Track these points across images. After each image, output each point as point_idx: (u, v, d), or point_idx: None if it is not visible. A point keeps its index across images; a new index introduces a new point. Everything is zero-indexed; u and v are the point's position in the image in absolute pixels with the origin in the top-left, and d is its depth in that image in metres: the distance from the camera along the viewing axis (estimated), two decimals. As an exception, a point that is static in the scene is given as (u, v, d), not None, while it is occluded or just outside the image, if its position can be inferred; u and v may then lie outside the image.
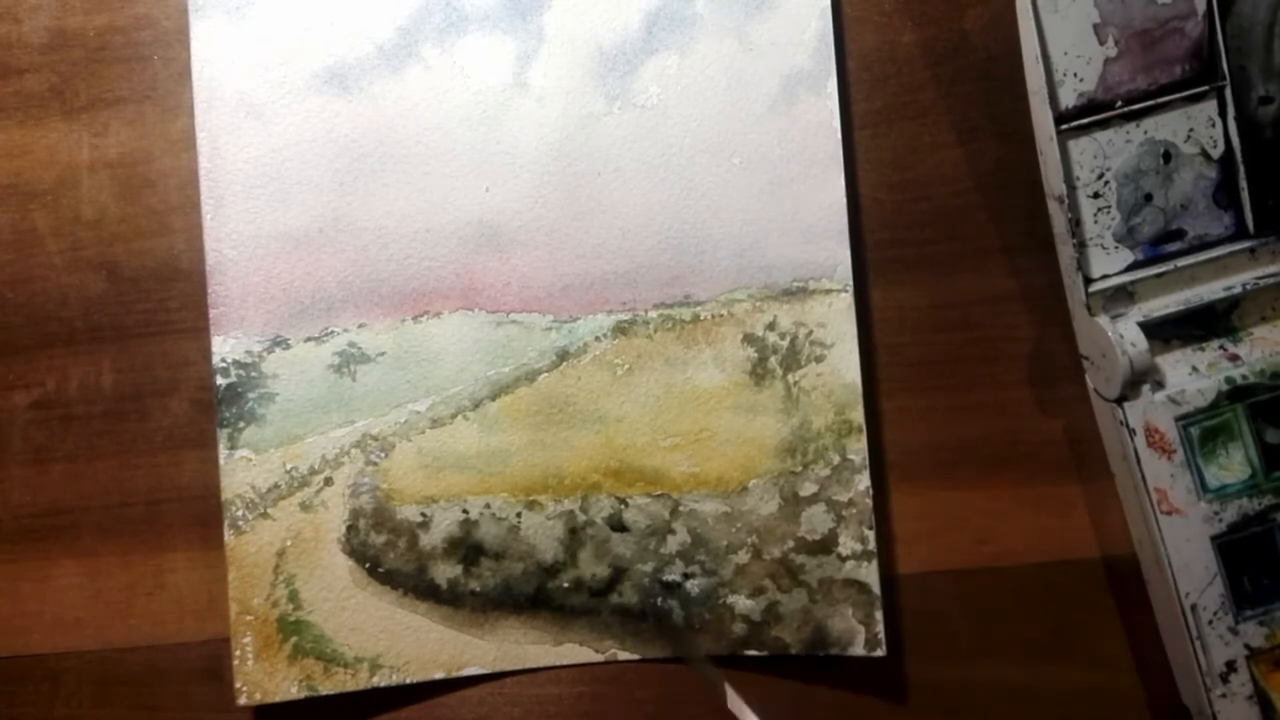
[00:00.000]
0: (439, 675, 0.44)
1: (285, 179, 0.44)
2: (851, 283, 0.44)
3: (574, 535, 0.44)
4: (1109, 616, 0.45)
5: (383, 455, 0.44)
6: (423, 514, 0.44)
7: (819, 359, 0.44)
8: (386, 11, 0.44)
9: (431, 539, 0.44)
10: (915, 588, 0.45)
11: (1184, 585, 0.42)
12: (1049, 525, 0.45)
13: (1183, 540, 0.42)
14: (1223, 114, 0.42)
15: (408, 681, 0.44)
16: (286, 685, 0.43)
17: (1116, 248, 0.43)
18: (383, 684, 0.43)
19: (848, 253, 0.44)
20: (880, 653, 0.43)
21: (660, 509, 0.44)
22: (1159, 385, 0.43)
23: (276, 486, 0.43)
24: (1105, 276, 0.43)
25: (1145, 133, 0.42)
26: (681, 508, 0.44)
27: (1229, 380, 0.42)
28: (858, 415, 0.44)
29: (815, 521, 0.44)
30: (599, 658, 0.44)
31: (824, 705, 0.45)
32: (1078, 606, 0.45)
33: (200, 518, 0.44)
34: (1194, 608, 0.42)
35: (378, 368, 0.44)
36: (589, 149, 0.44)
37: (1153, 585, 0.44)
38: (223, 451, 0.43)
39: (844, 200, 0.44)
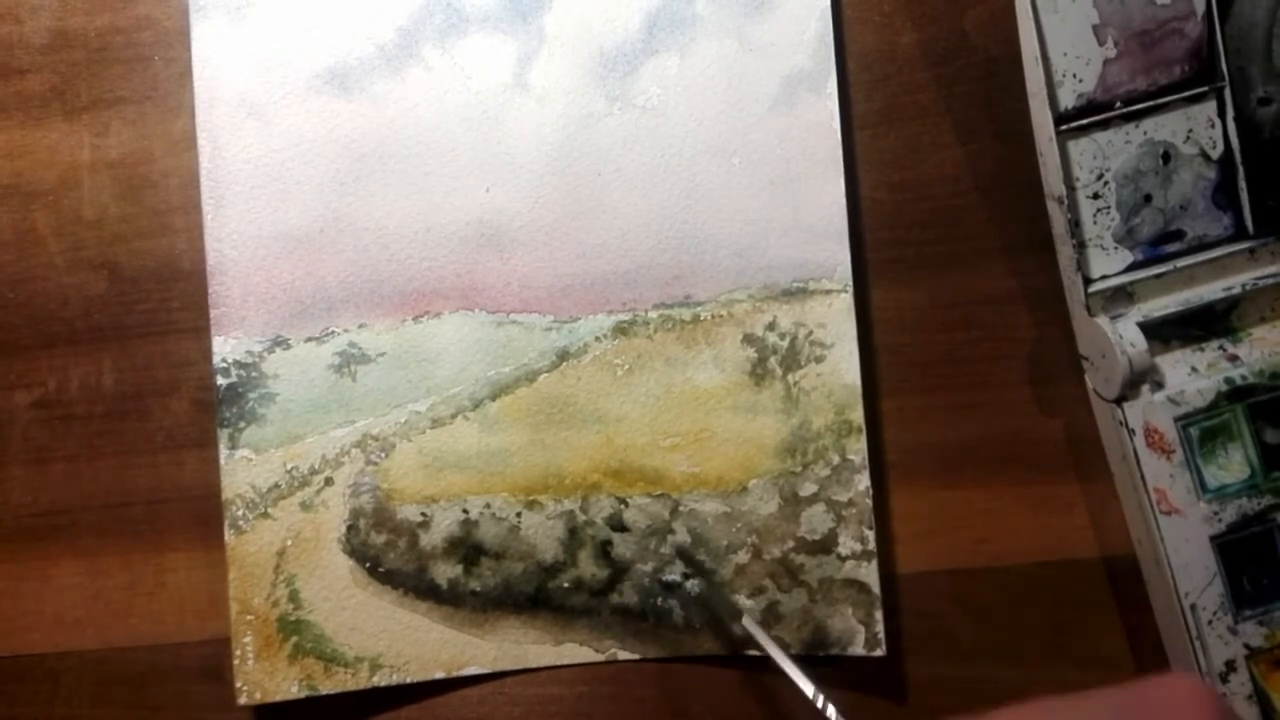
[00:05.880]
0: (439, 675, 0.44)
1: (286, 179, 0.44)
2: (851, 283, 0.44)
3: (574, 535, 0.44)
4: (1109, 616, 0.45)
5: (383, 455, 0.44)
6: (423, 514, 0.44)
7: (819, 359, 0.44)
8: (387, 12, 0.44)
9: (432, 539, 0.44)
10: (915, 588, 0.45)
11: (1183, 585, 0.42)
12: (1049, 525, 0.45)
13: (1182, 540, 0.42)
14: (1222, 115, 0.42)
15: (408, 681, 0.44)
16: (287, 685, 0.43)
17: (1116, 248, 0.43)
18: (383, 684, 0.43)
19: (848, 253, 0.44)
20: (880, 652, 0.43)
21: (660, 509, 0.44)
22: (1158, 385, 0.43)
23: (277, 486, 0.43)
24: (1105, 277, 0.43)
25: (1145, 133, 0.42)
26: (681, 508, 0.44)
27: (1228, 380, 0.42)
28: (857, 415, 0.44)
29: (815, 521, 0.44)
30: (599, 658, 0.44)
31: (824, 705, 0.45)
32: (1077, 606, 0.45)
33: (200, 517, 0.44)
34: (1193, 608, 0.42)
35: (378, 368, 0.44)
36: (589, 149, 0.44)
37: (1152, 585, 0.44)
38: (223, 451, 0.43)
39: (844, 200, 0.44)
